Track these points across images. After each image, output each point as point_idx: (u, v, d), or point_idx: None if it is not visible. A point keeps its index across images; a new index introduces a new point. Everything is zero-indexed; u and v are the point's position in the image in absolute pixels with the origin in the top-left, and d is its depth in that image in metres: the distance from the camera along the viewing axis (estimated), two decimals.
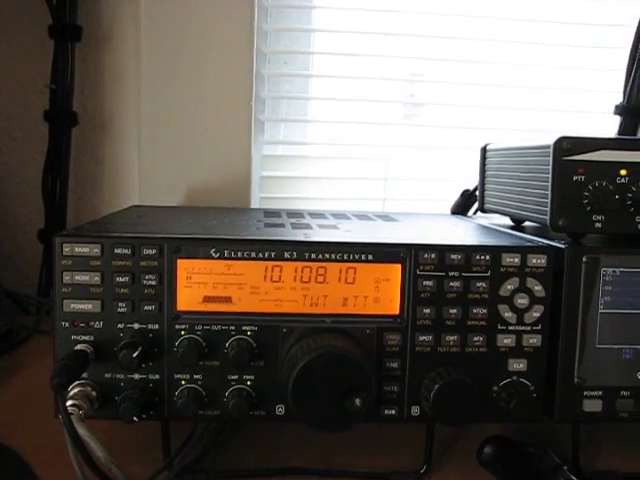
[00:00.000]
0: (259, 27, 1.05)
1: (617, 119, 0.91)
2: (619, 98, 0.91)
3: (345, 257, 0.57)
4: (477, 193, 0.87)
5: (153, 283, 0.56)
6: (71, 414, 0.51)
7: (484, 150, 0.83)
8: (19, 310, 1.04)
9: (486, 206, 0.82)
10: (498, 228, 0.75)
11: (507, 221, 0.79)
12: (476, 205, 0.91)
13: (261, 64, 1.08)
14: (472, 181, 0.91)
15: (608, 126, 0.95)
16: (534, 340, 0.59)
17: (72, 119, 1.05)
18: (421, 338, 0.58)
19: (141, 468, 0.58)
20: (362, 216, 0.85)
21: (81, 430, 0.50)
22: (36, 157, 1.06)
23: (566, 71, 1.16)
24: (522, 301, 0.58)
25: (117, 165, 1.10)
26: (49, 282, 1.06)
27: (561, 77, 1.16)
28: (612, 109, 0.91)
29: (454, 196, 0.96)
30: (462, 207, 0.95)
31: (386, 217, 0.85)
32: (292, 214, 0.84)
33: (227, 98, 1.04)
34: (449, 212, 0.97)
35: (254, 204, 1.09)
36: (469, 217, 0.93)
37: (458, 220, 0.87)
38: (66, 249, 0.56)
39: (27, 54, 1.05)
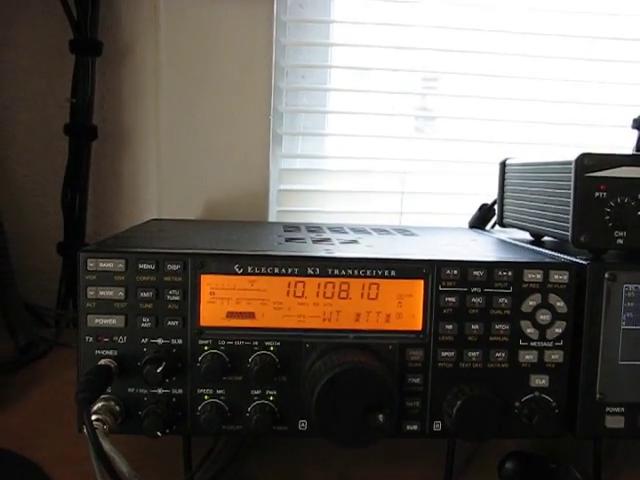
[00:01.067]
0: (277, 41, 1.06)
1: (635, 133, 0.91)
2: (637, 112, 0.91)
3: (368, 273, 0.57)
4: (496, 207, 0.87)
5: (177, 298, 0.57)
6: (96, 429, 0.52)
7: (503, 165, 0.83)
8: (38, 323, 1.04)
9: (505, 220, 0.82)
10: (518, 243, 0.75)
11: (526, 235, 0.79)
12: (494, 219, 0.91)
13: (279, 78, 1.09)
14: (488, 195, 0.91)
15: (625, 140, 0.95)
16: (556, 356, 0.59)
17: (92, 133, 1.05)
18: (443, 354, 0.58)
19: None
20: (382, 231, 0.85)
21: (106, 445, 0.51)
22: (56, 170, 1.07)
23: (583, 84, 1.16)
24: (544, 317, 0.58)
25: (136, 178, 1.10)
26: (68, 294, 1.06)
27: (578, 90, 1.16)
28: (630, 123, 0.91)
29: (471, 210, 0.96)
30: (480, 221, 0.95)
31: (405, 231, 0.85)
32: (312, 228, 0.84)
33: (245, 112, 1.05)
34: (466, 226, 0.97)
35: (271, 217, 1.10)
36: (487, 231, 0.93)
37: (477, 234, 0.87)
38: (90, 264, 0.56)
39: (48, 68, 1.06)
